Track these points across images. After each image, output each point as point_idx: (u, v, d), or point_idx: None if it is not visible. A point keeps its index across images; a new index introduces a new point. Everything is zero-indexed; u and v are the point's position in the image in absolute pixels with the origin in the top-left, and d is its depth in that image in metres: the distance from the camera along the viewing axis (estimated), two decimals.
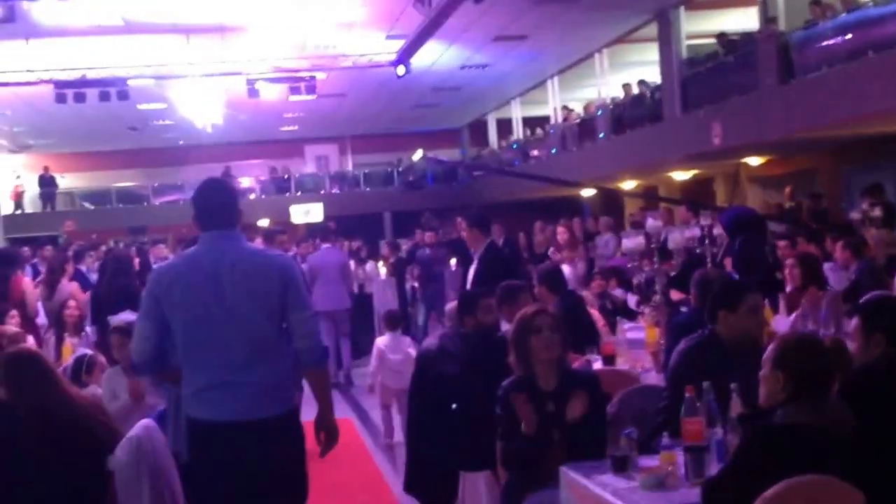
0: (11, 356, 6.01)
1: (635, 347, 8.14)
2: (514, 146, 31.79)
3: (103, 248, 19.72)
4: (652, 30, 21.56)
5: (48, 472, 5.49)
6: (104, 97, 22.12)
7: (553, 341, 5.70)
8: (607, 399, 5.99)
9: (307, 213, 33.21)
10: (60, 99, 22.13)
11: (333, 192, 36.48)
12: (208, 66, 22.45)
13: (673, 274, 9.89)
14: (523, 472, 5.61)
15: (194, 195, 5.34)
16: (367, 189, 36.87)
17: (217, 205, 5.27)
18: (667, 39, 20.79)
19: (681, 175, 24.58)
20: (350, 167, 38.92)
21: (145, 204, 36.24)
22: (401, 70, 22.84)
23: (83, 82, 22.12)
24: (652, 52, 22.16)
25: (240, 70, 23.08)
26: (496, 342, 7.26)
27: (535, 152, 30.04)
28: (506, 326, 7.74)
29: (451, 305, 8.60)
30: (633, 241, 9.54)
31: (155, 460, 5.79)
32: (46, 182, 35.30)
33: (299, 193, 35.88)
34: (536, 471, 5.48)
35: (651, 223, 9.62)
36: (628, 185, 25.86)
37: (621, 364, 8.00)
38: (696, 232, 12.12)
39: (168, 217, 33.35)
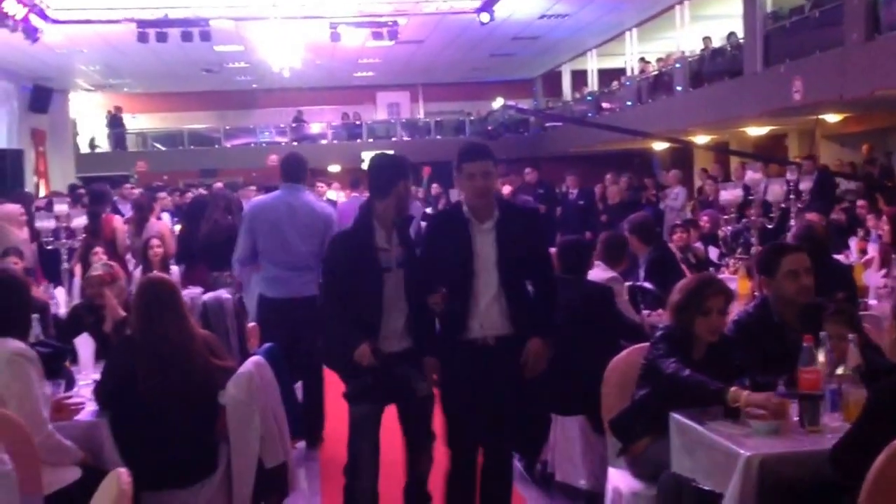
0: (150, 282, 6.08)
1: None
2: (589, 98, 31.65)
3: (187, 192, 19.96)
4: None
5: (161, 404, 5.60)
6: (186, 37, 22.21)
7: (720, 325, 5.49)
8: None
9: None
10: (142, 38, 22.27)
11: (404, 139, 36.49)
12: (290, 8, 22.43)
13: (770, 227, 9.80)
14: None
15: (282, 160, 8.74)
16: (438, 137, 36.68)
17: (295, 168, 8.53)
18: None
19: (755, 130, 24.47)
20: (421, 115, 38.93)
21: (216, 146, 36.34)
22: (485, 17, 22.70)
23: (165, 22, 22.22)
24: (734, 5, 21.90)
25: (321, 13, 23.00)
26: (594, 289, 7.38)
27: (609, 104, 29.90)
28: (601, 274, 7.88)
29: None
30: (731, 193, 9.38)
31: (265, 396, 5.97)
32: (114, 122, 35.69)
33: (371, 140, 35.88)
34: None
35: (750, 175, 9.47)
36: (700, 139, 25.76)
37: None
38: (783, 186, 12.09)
39: (239, 160, 33.59)
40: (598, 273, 7.84)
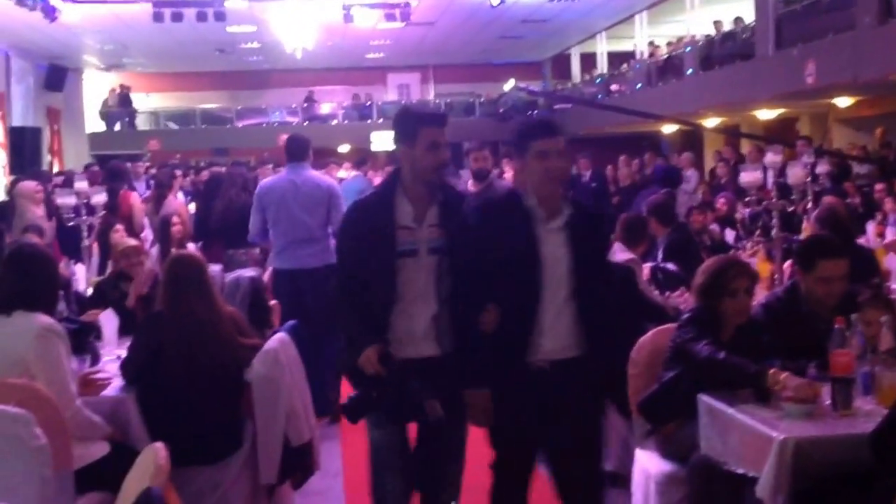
0: (178, 259, 6.11)
1: None
2: (599, 80, 31.66)
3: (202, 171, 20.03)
4: None
5: (188, 380, 5.63)
6: (201, 17, 22.37)
7: (747, 306, 5.41)
8: None
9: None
10: (158, 18, 22.45)
11: None
12: None
13: (791, 209, 9.76)
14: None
15: (287, 141, 9.31)
16: (449, 118, 36.54)
17: (298, 148, 9.19)
18: None
19: (765, 114, 24.47)
20: (431, 96, 38.89)
21: (228, 126, 36.48)
22: (495, 0, 22.83)
23: (181, 2, 22.35)
24: None
25: None
26: (617, 270, 7.15)
27: (617, 87, 29.93)
28: (620, 255, 7.78)
29: None
30: (751, 175, 9.29)
31: (289, 373, 5.97)
32: (123, 101, 35.73)
33: (381, 121, 35.72)
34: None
35: (770, 157, 9.39)
36: (710, 122, 25.79)
37: None
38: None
39: (250, 140, 33.65)
40: (617, 254, 7.78)
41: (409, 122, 4.95)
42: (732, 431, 4.80)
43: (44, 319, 5.25)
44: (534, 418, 4.81)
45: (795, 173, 9.48)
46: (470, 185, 9.97)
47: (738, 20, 22.93)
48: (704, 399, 5.06)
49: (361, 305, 4.81)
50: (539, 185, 4.77)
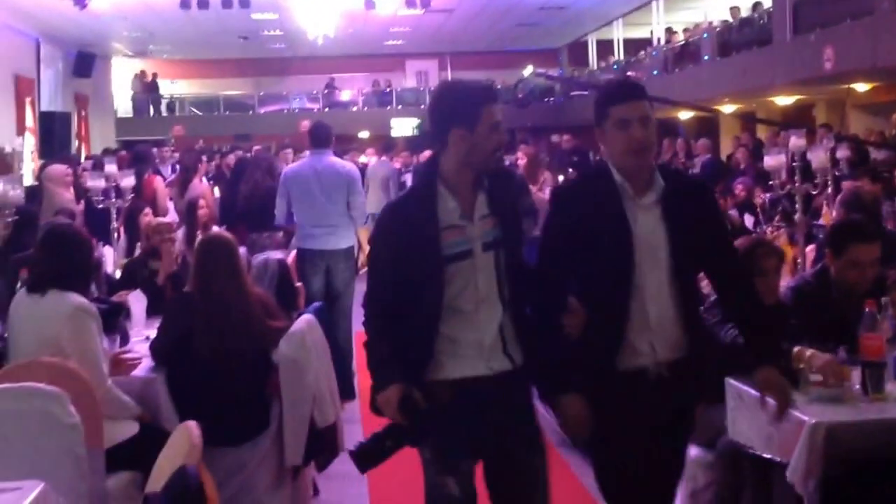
0: (209, 241, 6.12)
1: None
2: (615, 67, 31.79)
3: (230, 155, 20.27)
4: None
5: (216, 362, 5.66)
6: (226, 4, 22.53)
7: (776, 286, 5.34)
8: None
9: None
10: (185, 5, 22.63)
11: None
12: None
13: (815, 193, 9.76)
14: None
15: (309, 129, 9.93)
16: None
17: (321, 136, 9.73)
18: None
19: (783, 100, 24.60)
20: None
21: (250, 112, 36.81)
22: None
23: None
24: None
25: None
26: None
27: (634, 74, 29.96)
28: None
29: None
30: (775, 159, 9.08)
31: (315, 355, 6.00)
32: (149, 88, 36.11)
33: (400, 107, 36.19)
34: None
35: (794, 141, 9.35)
36: (727, 108, 25.93)
37: None
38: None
39: (272, 126, 33.92)
40: None
41: (468, 101, 4.03)
42: (759, 415, 4.58)
43: (77, 299, 5.35)
44: (653, 437, 4.15)
45: (818, 156, 9.38)
46: None
47: (755, 6, 23.00)
48: (733, 383, 4.97)
49: (399, 326, 4.06)
50: (622, 158, 4.09)
